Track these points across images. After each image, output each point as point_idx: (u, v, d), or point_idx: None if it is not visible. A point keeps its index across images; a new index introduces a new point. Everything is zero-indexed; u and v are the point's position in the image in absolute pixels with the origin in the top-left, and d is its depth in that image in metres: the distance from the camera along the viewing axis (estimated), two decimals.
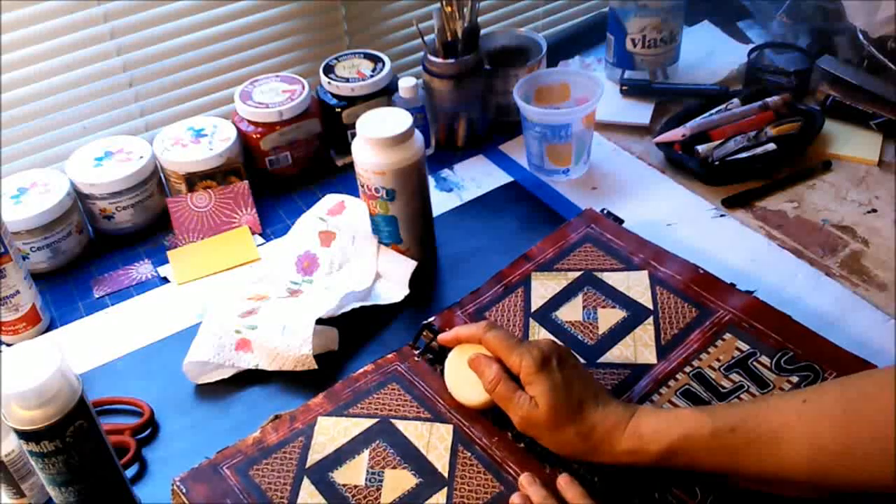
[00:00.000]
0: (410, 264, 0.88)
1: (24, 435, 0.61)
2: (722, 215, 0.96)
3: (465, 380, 0.71)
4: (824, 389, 0.62)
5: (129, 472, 0.72)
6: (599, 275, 0.83)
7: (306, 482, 0.67)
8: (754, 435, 0.60)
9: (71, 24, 0.95)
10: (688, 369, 0.73)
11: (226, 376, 0.80)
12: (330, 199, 0.92)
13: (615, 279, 0.83)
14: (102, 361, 0.83)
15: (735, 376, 0.72)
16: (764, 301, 0.78)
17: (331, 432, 0.71)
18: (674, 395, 0.71)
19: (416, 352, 0.77)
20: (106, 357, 0.84)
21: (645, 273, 0.83)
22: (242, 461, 0.69)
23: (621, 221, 0.91)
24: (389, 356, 0.78)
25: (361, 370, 0.76)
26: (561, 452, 0.65)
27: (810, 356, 0.72)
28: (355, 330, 0.84)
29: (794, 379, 0.71)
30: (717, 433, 0.60)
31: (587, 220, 0.90)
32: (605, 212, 0.92)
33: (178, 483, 0.67)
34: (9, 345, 0.85)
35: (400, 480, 0.67)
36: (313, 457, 0.69)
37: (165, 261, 0.95)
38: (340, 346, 0.82)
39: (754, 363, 0.73)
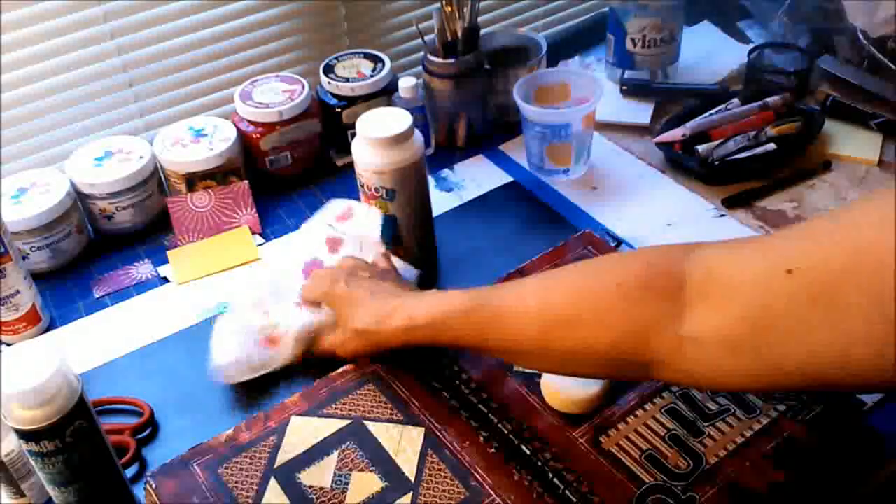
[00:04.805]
0: (414, 273, 0.87)
1: (24, 435, 0.61)
2: (722, 215, 0.96)
3: (562, 387, 0.71)
4: (567, 268, 0.66)
5: (129, 472, 0.72)
6: None
7: (273, 482, 0.67)
8: (495, 309, 0.65)
9: (71, 24, 0.95)
10: (675, 388, 0.72)
11: (256, 375, 0.79)
12: (337, 205, 0.91)
13: None
14: (102, 361, 0.83)
15: (722, 399, 0.71)
16: None
17: (303, 432, 0.71)
18: (659, 411, 0.70)
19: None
20: (106, 357, 0.84)
21: None
22: (213, 458, 0.69)
23: (619, 243, 0.90)
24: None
25: (340, 370, 0.76)
26: (350, 350, 0.75)
27: None
28: None
29: (781, 407, 0.69)
30: (470, 310, 0.66)
31: (584, 243, 0.89)
32: (606, 231, 0.92)
33: (148, 478, 0.68)
34: (9, 345, 0.85)
35: (366, 483, 0.66)
36: (283, 457, 0.69)
37: (165, 261, 0.95)
38: None
39: None
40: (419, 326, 0.69)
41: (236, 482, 0.67)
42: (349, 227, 0.89)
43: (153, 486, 0.67)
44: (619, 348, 0.58)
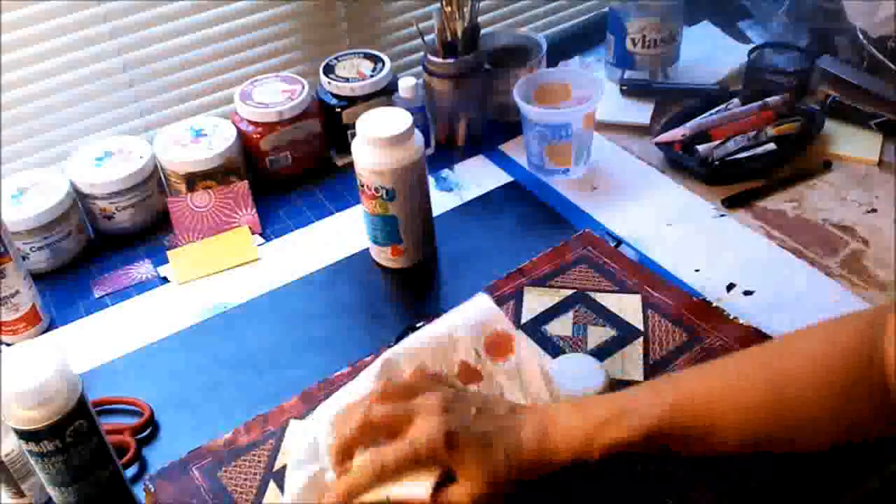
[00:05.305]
0: (601, 378, 0.72)
1: (24, 435, 0.61)
2: (722, 215, 0.96)
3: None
4: (749, 372, 0.60)
5: (129, 472, 0.72)
6: (592, 295, 0.83)
7: (272, 485, 0.67)
8: (683, 431, 0.59)
9: (71, 24, 0.95)
10: None
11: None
12: (490, 321, 0.68)
13: (608, 300, 0.82)
14: (102, 361, 0.83)
15: None
16: (760, 330, 0.77)
17: (301, 435, 0.70)
18: None
19: None
20: (106, 357, 0.84)
21: (638, 297, 0.82)
22: (212, 462, 0.69)
23: (619, 242, 0.90)
24: (367, 358, 0.77)
25: (338, 373, 0.76)
26: (500, 482, 0.59)
27: None
28: (350, 327, 0.84)
29: None
30: (648, 435, 0.59)
31: (584, 242, 0.89)
32: (606, 231, 0.92)
33: (146, 481, 0.68)
34: (9, 345, 0.85)
35: None
36: (282, 460, 0.69)
37: (165, 261, 0.95)
38: (329, 342, 0.82)
39: None
40: (585, 455, 0.59)
41: (235, 485, 0.67)
42: (503, 370, 0.67)
43: (152, 489, 0.67)
44: (836, 440, 0.58)
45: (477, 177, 1.04)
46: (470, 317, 0.68)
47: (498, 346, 0.68)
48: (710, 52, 1.22)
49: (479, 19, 1.08)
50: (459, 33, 1.02)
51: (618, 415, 0.59)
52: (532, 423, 0.61)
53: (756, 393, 0.58)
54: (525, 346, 0.68)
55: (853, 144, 1.03)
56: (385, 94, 1.05)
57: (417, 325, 0.80)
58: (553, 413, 0.61)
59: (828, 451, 0.65)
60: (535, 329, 0.80)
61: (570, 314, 0.81)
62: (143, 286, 0.92)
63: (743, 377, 0.60)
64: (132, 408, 0.78)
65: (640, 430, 0.59)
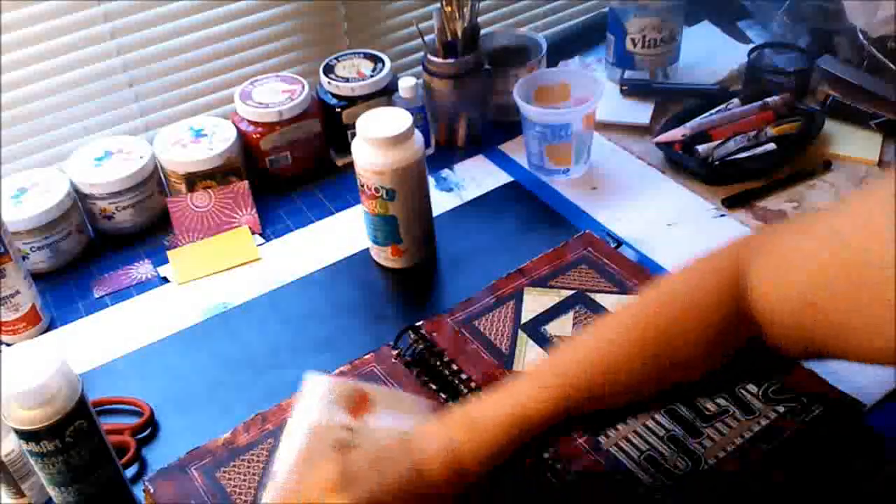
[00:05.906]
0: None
1: (24, 435, 0.61)
2: (722, 215, 0.96)
3: None
4: (627, 341, 0.60)
5: (129, 472, 0.73)
6: (592, 295, 0.83)
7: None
8: (577, 412, 0.58)
9: (71, 24, 0.95)
10: None
11: None
12: (338, 387, 0.63)
13: (608, 301, 0.82)
14: (102, 361, 0.83)
15: (721, 400, 0.71)
16: None
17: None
18: (658, 412, 0.70)
19: (395, 352, 0.77)
20: (106, 357, 0.84)
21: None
22: (211, 462, 0.69)
23: (620, 244, 0.90)
24: (367, 356, 0.77)
25: (337, 370, 0.76)
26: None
27: (798, 387, 0.71)
28: (350, 327, 0.84)
29: (781, 409, 0.70)
30: (546, 431, 0.58)
31: (584, 243, 0.89)
32: (607, 232, 0.92)
33: (146, 483, 0.68)
34: (9, 345, 0.85)
35: None
36: None
37: (165, 261, 0.95)
38: (329, 342, 0.82)
39: (741, 390, 0.71)
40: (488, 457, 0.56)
41: (234, 486, 0.67)
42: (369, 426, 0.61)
43: (151, 489, 0.67)
44: (712, 368, 0.59)
45: (477, 177, 1.04)
46: (319, 400, 0.61)
47: (361, 403, 0.62)
48: (710, 52, 1.22)
49: (479, 19, 1.08)
50: (459, 33, 1.02)
51: (513, 429, 0.57)
52: (432, 448, 0.56)
53: (637, 361, 0.58)
54: (384, 388, 0.63)
55: (853, 144, 1.03)
56: (385, 94, 1.05)
57: (417, 324, 0.80)
58: (460, 429, 0.57)
59: (828, 452, 0.65)
60: (535, 329, 0.80)
61: (570, 314, 0.81)
62: (143, 286, 0.92)
63: (623, 347, 0.59)
64: (132, 408, 0.78)
65: (538, 434, 0.57)
